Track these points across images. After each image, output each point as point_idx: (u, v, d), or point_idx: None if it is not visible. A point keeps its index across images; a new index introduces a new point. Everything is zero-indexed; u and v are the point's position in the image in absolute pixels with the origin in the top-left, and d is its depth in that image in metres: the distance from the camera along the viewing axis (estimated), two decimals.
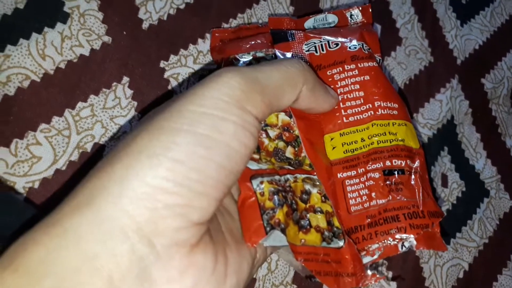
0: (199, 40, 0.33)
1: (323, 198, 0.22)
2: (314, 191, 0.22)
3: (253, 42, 0.29)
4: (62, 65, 0.29)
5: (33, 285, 0.13)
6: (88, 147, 0.28)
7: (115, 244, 0.14)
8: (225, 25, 0.34)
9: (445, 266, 0.37)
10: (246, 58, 0.28)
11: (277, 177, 0.20)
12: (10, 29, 0.28)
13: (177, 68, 0.32)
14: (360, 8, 0.31)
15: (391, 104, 0.26)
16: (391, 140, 0.25)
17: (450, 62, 0.43)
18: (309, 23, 0.31)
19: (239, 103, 0.17)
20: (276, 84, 0.19)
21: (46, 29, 0.29)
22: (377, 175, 0.24)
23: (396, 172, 0.24)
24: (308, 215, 0.21)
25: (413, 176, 0.24)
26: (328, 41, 0.28)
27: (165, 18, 0.32)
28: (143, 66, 0.31)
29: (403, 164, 0.24)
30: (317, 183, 0.22)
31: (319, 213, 0.21)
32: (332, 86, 0.26)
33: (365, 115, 0.25)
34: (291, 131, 0.23)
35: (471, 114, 0.42)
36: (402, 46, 0.41)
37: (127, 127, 0.30)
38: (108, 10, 0.31)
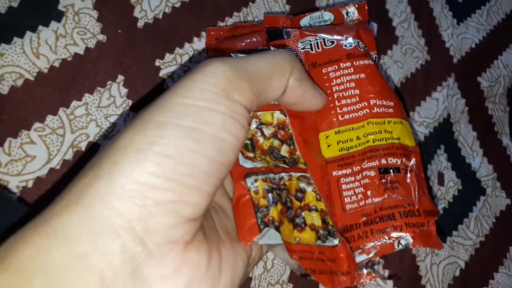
0: (195, 39, 0.33)
1: (318, 196, 0.22)
2: (309, 189, 0.22)
3: (248, 40, 0.29)
4: (57, 64, 0.28)
5: (24, 284, 0.13)
6: (83, 146, 0.28)
7: (105, 242, 0.14)
8: (221, 24, 0.34)
9: (442, 264, 0.37)
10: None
11: (271, 175, 0.20)
12: (4, 27, 0.28)
13: (173, 66, 0.32)
14: (356, 6, 0.31)
15: (387, 102, 0.26)
16: (387, 138, 0.25)
17: (447, 61, 0.43)
18: (305, 21, 0.31)
19: (226, 92, 0.17)
20: (263, 72, 0.19)
21: (40, 27, 0.29)
22: (372, 173, 0.24)
23: (391, 171, 0.24)
24: (303, 213, 0.21)
25: (408, 175, 0.24)
26: (323, 39, 0.28)
27: (160, 16, 0.32)
28: (138, 64, 0.31)
29: (399, 162, 0.24)
30: (312, 181, 0.22)
31: (314, 211, 0.21)
32: (327, 84, 0.26)
33: (360, 113, 0.25)
34: (286, 129, 0.23)
35: (467, 113, 0.42)
36: (399, 45, 0.41)
37: (121, 126, 0.29)
38: (103, 9, 0.31)
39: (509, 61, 0.46)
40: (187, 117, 0.16)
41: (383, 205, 0.23)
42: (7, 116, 0.27)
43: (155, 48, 0.32)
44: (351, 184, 0.24)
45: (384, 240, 0.23)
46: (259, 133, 0.22)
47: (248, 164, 0.20)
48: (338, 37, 0.28)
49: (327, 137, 0.25)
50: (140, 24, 0.31)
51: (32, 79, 0.28)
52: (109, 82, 0.30)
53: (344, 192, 0.24)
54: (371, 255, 0.23)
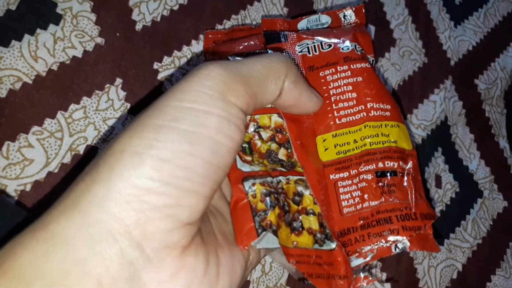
0: (193, 42, 0.33)
1: (315, 200, 0.22)
2: (307, 193, 0.22)
3: (246, 44, 0.29)
4: (55, 67, 0.28)
5: None
6: (81, 149, 0.28)
7: (103, 248, 0.14)
8: (219, 27, 0.34)
9: (439, 267, 0.37)
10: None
11: (269, 179, 0.20)
12: (2, 30, 0.28)
13: (171, 69, 0.32)
14: (354, 9, 0.31)
15: (384, 106, 0.26)
16: (384, 142, 0.25)
17: (444, 63, 0.43)
18: (302, 24, 0.32)
19: (222, 95, 0.17)
20: (258, 74, 0.19)
21: (38, 30, 0.29)
22: (369, 176, 0.24)
23: (388, 174, 0.24)
24: (300, 217, 0.21)
25: (405, 178, 0.24)
26: (321, 42, 0.28)
27: (158, 19, 0.32)
28: (137, 67, 0.31)
29: (396, 166, 0.24)
30: (310, 185, 0.22)
31: (311, 215, 0.21)
32: (324, 87, 0.26)
33: (357, 116, 0.25)
34: (284, 133, 0.23)
35: (464, 115, 0.43)
36: (396, 47, 0.41)
37: (120, 129, 0.29)
38: (101, 12, 0.31)
39: (506, 63, 0.46)
40: (184, 120, 0.16)
41: (380, 209, 0.23)
42: (5, 119, 0.27)
43: (153, 51, 0.32)
44: (348, 187, 0.24)
45: (381, 243, 0.23)
46: (256, 137, 0.22)
47: (246, 168, 0.20)
48: (335, 40, 0.28)
49: (324, 140, 0.25)
50: (138, 27, 0.32)
51: (30, 82, 0.28)
52: (107, 85, 0.30)
53: (341, 196, 0.24)
54: (368, 258, 0.23)
